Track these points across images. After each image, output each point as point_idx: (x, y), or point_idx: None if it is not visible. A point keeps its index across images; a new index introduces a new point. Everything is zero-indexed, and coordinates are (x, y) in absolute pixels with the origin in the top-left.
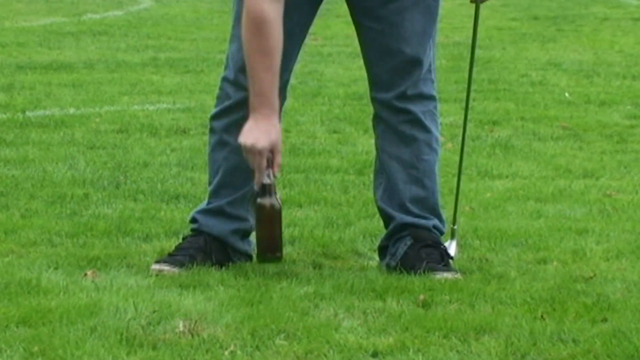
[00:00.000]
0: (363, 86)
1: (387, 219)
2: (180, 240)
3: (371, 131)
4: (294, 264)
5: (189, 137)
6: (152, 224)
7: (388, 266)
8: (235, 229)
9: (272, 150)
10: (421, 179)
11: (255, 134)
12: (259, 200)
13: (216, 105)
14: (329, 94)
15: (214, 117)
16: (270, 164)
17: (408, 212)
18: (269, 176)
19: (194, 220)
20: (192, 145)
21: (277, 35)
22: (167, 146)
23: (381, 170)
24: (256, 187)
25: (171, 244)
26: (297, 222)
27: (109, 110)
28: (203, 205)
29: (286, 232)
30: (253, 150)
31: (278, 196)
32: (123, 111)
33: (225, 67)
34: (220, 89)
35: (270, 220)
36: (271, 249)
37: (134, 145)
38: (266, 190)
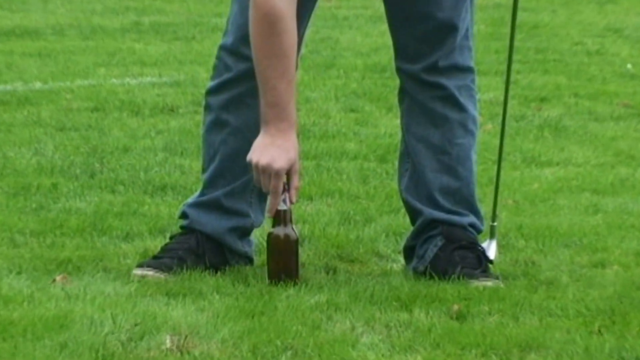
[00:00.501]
0: (386, 56)
1: (413, 214)
2: (168, 240)
3: (396, 109)
4: (304, 268)
5: (178, 117)
6: (133, 220)
7: (415, 271)
8: (233, 226)
9: (288, 171)
10: (454, 166)
11: (272, 151)
12: (272, 230)
13: (212, 78)
14: (345, 65)
15: (210, 92)
16: (287, 187)
17: (438, 207)
18: (284, 201)
19: (184, 215)
20: (181, 126)
21: (292, 34)
22: (151, 127)
23: (407, 155)
24: (269, 214)
25: (156, 245)
26: (307, 218)
27: (82, 85)
28: (195, 197)
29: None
30: (269, 171)
31: (295, 225)
32: (99, 86)
33: (225, 33)
34: (218, 58)
35: (285, 253)
36: (285, 278)
37: (112, 127)
38: (281, 218)
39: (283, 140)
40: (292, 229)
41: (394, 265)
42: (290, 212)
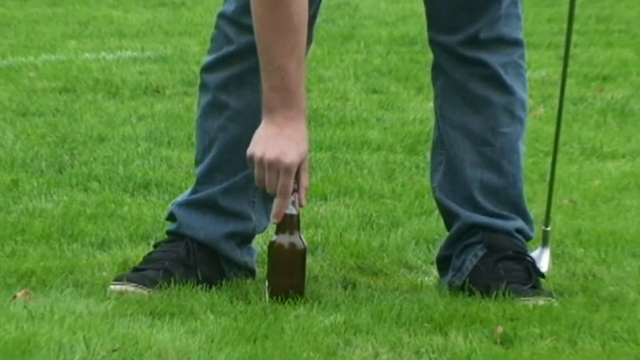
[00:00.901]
0: (416, 25)
1: (449, 217)
2: (152, 248)
3: (427, 90)
4: (316, 282)
5: (165, 99)
6: (110, 224)
7: (451, 286)
8: (231, 231)
9: (297, 168)
10: (498, 160)
11: (280, 143)
12: (276, 238)
13: (210, 52)
14: (366, 36)
15: (207, 69)
16: (296, 187)
17: (478, 208)
18: (293, 204)
19: (171, 217)
20: (168, 110)
21: (303, 3)
22: (132, 112)
23: (441, 146)
24: (274, 220)
25: (138, 254)
26: (320, 222)
27: (48, 61)
28: (186, 195)
29: (306, 236)
30: (277, 167)
31: (302, 234)
32: (69, 62)
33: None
34: (217, 29)
35: (290, 265)
36: (289, 293)
37: (85, 111)
38: (287, 224)
39: (292, 130)
40: (300, 237)
41: (426, 279)
42: (299, 217)
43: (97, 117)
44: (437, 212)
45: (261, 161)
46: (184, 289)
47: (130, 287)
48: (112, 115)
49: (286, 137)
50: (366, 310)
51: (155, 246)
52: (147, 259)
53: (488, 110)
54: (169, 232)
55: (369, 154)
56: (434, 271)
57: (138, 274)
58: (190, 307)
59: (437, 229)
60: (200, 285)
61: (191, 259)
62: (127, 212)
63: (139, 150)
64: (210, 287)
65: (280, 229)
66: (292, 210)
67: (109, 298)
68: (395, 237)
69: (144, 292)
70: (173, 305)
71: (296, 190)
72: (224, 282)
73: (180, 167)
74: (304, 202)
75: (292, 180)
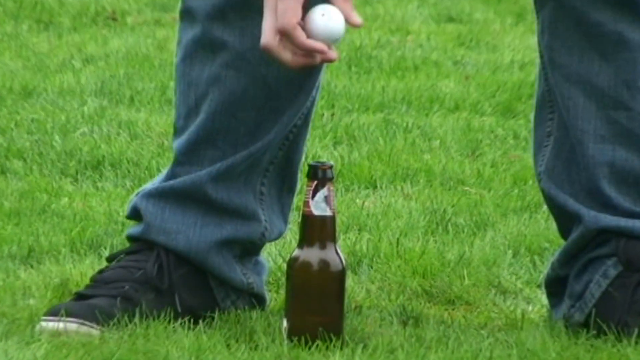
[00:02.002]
0: None
1: (564, 218)
2: (105, 263)
3: (530, 20)
4: (360, 316)
5: (125, 32)
6: (41, 225)
7: (569, 321)
8: (228, 237)
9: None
10: (638, 132)
11: (287, 3)
12: (300, 252)
13: None
14: None
15: None
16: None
17: (609, 206)
18: (327, 201)
19: (135, 214)
20: (131, 49)
21: None
22: (75, 51)
23: (549, 107)
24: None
25: (84, 271)
26: (366, 221)
27: None
28: (158, 181)
29: (344, 246)
30: (288, 33)
31: (339, 246)
32: None
33: None
34: None
35: (320, 294)
36: (318, 334)
37: (3, 51)
38: (316, 232)
39: None
40: (336, 251)
41: (529, 309)
42: (334, 221)
43: (21, 59)
44: (545, 207)
45: (273, 47)
46: (155, 326)
47: (71, 325)
48: (44, 57)
49: None
50: (439, 358)
51: (109, 260)
52: (98, 280)
53: (622, 55)
54: (131, 238)
55: (441, 116)
56: (542, 298)
57: (84, 304)
58: (164, 355)
59: (546, 233)
60: (179, 321)
61: (165, 280)
62: (67, 207)
63: (86, 110)
64: (195, 324)
65: (306, 239)
66: (324, 209)
67: (39, 340)
68: (482, 245)
69: (92, 331)
70: (138, 352)
71: (325, 175)
72: (216, 316)
73: (150, 138)
74: (355, 19)
75: (322, 48)
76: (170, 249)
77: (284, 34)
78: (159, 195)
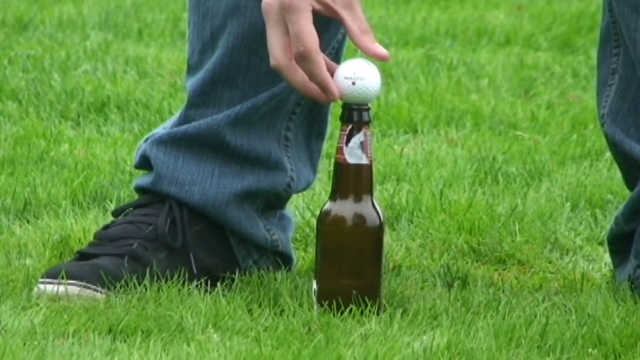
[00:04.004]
0: None
1: (629, 166)
2: (111, 218)
3: None
4: (399, 277)
5: None
6: (38, 173)
7: (634, 282)
8: (249, 188)
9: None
10: None
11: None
12: (332, 206)
13: None
14: None
15: None
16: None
17: None
18: (363, 147)
19: (144, 163)
20: None
21: None
22: None
23: (614, 42)
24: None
25: (87, 226)
26: (405, 171)
27: None
28: (170, 125)
29: (381, 199)
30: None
31: (376, 198)
32: None
33: None
34: None
35: (355, 253)
36: (351, 298)
37: None
38: (350, 183)
39: None
40: (373, 204)
41: (590, 269)
42: (371, 171)
43: None
44: (608, 154)
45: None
46: (167, 289)
47: (73, 288)
48: None
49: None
50: (485, 326)
51: (115, 214)
52: (103, 237)
53: None
54: (140, 190)
55: (490, 51)
56: (605, 257)
57: (86, 265)
58: (178, 321)
59: (609, 183)
60: (195, 283)
61: (178, 238)
62: (67, 154)
63: (88, 45)
64: (213, 286)
65: (338, 191)
66: (359, 156)
67: (37, 305)
68: (536, 197)
69: (96, 294)
70: (148, 318)
71: (362, 118)
72: (236, 277)
73: (160, 76)
74: (377, 50)
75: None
76: (183, 202)
77: (304, 59)
78: (171, 141)
